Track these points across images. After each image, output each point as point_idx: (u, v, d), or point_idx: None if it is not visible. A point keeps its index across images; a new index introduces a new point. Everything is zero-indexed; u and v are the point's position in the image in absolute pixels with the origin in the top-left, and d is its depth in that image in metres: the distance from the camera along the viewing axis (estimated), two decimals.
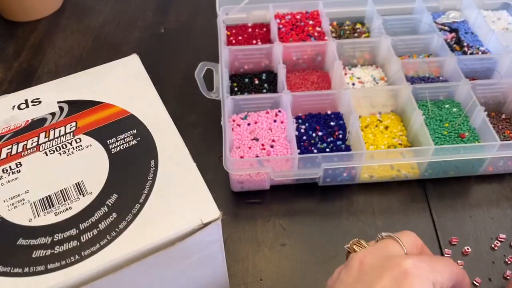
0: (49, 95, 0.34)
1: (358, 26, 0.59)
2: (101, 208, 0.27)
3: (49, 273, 0.25)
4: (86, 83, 0.35)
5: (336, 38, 0.56)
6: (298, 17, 0.58)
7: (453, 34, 0.57)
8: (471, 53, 0.54)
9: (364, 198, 0.45)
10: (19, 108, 0.33)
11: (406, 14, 0.60)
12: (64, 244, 0.26)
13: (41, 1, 0.66)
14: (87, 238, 0.26)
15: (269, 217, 0.44)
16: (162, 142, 0.31)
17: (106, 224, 0.27)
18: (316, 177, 0.44)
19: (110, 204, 0.27)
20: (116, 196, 0.28)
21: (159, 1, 0.70)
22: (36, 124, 0.32)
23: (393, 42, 0.53)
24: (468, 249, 0.40)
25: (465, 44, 0.55)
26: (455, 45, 0.55)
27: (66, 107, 0.33)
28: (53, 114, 0.33)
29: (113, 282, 0.26)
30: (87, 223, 0.27)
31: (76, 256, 0.25)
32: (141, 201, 0.28)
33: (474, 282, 0.38)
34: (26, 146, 0.31)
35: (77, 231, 0.26)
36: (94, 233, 0.26)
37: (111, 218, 0.27)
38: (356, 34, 0.58)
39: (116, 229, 0.26)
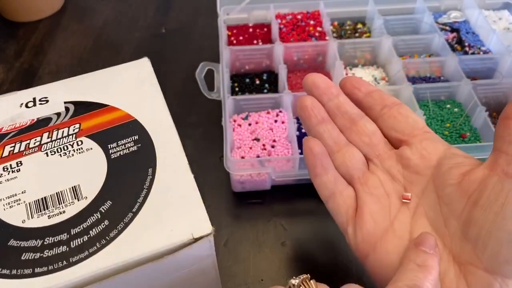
0: (57, 94, 0.34)
1: (359, 26, 0.59)
2: (94, 214, 0.27)
3: (36, 277, 0.24)
4: (94, 85, 0.35)
5: (337, 38, 0.56)
6: (299, 17, 0.58)
7: (454, 34, 0.57)
8: (472, 53, 0.54)
9: None
10: (26, 106, 0.33)
11: (407, 14, 0.60)
12: (54, 249, 0.25)
13: (42, 1, 0.66)
14: (76, 244, 0.26)
15: (270, 217, 0.44)
16: (162, 150, 0.30)
17: (97, 231, 0.26)
18: None
19: (103, 211, 0.27)
20: (110, 203, 0.27)
21: (160, 1, 0.70)
22: (41, 124, 0.32)
23: (394, 42, 0.53)
24: None
25: (466, 44, 0.55)
26: (456, 45, 0.55)
27: (72, 107, 0.33)
28: (58, 114, 0.33)
29: None
30: (79, 228, 0.26)
31: (64, 262, 0.25)
32: (134, 210, 0.27)
33: None
34: (28, 145, 0.30)
35: (68, 236, 0.26)
36: (84, 240, 0.26)
37: (103, 225, 0.26)
38: (357, 34, 0.58)
39: (107, 237, 0.26)
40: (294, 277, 0.25)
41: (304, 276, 0.26)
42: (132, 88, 0.34)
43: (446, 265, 0.26)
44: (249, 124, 0.47)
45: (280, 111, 0.48)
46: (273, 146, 0.45)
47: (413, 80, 0.51)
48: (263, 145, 0.45)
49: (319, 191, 0.32)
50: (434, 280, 0.25)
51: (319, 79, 0.34)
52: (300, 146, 0.45)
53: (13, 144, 0.31)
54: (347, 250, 0.41)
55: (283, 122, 0.47)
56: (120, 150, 0.30)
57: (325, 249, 0.41)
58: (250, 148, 0.45)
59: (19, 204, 0.27)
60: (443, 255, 0.27)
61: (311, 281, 0.26)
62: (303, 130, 0.47)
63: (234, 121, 0.48)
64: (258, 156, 0.45)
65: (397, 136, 0.31)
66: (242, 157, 0.45)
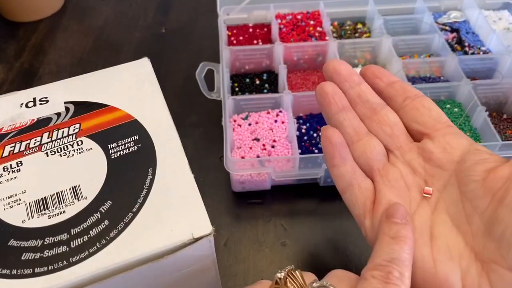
0: (57, 94, 0.34)
1: (359, 26, 0.59)
2: (94, 214, 0.27)
3: (36, 277, 0.24)
4: (94, 85, 0.35)
5: (337, 38, 0.56)
6: (299, 17, 0.58)
7: (454, 34, 0.57)
8: (472, 53, 0.54)
9: None
10: (27, 106, 0.33)
11: (407, 14, 0.60)
12: (54, 249, 0.25)
13: (42, 1, 0.66)
14: (77, 244, 0.26)
15: (270, 217, 0.44)
16: (162, 150, 0.30)
17: (97, 231, 0.26)
18: (317, 177, 0.44)
19: (103, 211, 0.27)
20: (110, 203, 0.27)
21: (160, 1, 0.70)
22: (41, 124, 0.32)
23: (394, 42, 0.53)
24: None
25: (466, 44, 0.55)
26: (456, 45, 0.55)
27: (72, 108, 0.33)
28: (58, 114, 0.33)
29: None
30: (79, 228, 0.26)
31: (64, 262, 0.25)
32: (134, 210, 0.27)
33: None
34: (28, 145, 0.30)
35: (68, 236, 0.26)
36: (85, 240, 0.26)
37: (103, 225, 0.26)
38: (357, 34, 0.58)
39: (107, 237, 0.26)
40: (279, 271, 0.25)
41: (289, 267, 0.26)
42: (132, 88, 0.34)
43: (468, 262, 0.26)
44: (249, 124, 0.47)
45: (280, 111, 0.48)
46: (273, 146, 0.45)
47: (413, 80, 0.51)
48: (263, 145, 0.46)
49: (336, 182, 0.31)
50: (411, 249, 0.25)
51: (341, 66, 0.33)
52: (300, 146, 0.45)
53: (13, 144, 0.31)
54: (347, 250, 0.41)
55: (283, 122, 0.47)
56: (120, 150, 0.30)
57: (325, 249, 0.41)
58: (250, 148, 0.45)
59: (19, 204, 0.27)
60: (465, 252, 0.26)
61: (297, 271, 0.25)
62: (303, 130, 0.47)
63: (234, 121, 0.48)
64: (258, 156, 0.45)
65: (419, 129, 0.30)
66: (242, 157, 0.45)
